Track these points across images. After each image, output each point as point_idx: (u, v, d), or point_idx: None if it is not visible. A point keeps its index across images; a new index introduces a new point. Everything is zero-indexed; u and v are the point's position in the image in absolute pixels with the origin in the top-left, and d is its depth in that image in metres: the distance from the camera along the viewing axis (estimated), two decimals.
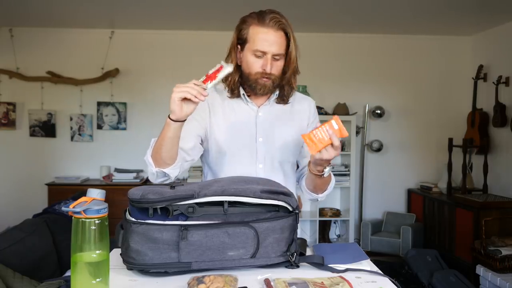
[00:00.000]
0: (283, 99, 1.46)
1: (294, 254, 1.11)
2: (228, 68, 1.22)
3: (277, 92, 1.45)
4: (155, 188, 1.07)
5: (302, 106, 1.52)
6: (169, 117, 1.24)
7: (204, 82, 1.21)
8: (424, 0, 3.46)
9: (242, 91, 1.44)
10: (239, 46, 1.39)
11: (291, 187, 1.50)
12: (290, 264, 1.12)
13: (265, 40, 1.33)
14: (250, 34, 1.35)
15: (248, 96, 1.45)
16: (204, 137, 1.46)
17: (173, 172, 1.34)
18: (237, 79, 1.41)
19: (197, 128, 1.43)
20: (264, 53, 1.34)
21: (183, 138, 1.32)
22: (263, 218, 1.09)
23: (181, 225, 1.04)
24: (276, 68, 1.37)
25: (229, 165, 1.45)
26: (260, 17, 1.34)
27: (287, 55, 1.38)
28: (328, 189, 1.45)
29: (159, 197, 1.03)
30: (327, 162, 1.26)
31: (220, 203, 1.08)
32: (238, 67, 1.41)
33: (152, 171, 1.34)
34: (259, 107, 1.46)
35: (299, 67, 1.44)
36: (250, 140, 1.44)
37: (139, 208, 1.05)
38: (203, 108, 1.43)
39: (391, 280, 1.06)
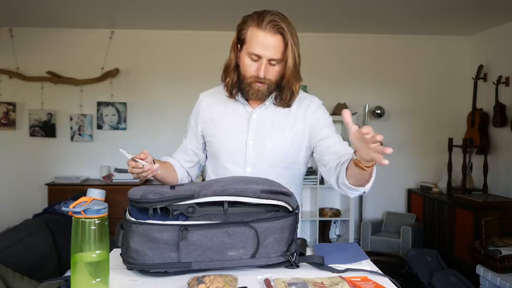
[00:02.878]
0: (281, 102, 1.41)
1: (294, 254, 1.11)
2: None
3: (273, 95, 1.41)
4: (155, 188, 1.07)
5: (300, 108, 1.45)
6: None
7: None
8: (424, 0, 3.46)
9: (238, 93, 1.42)
10: (239, 46, 1.37)
11: None
12: (290, 264, 1.11)
13: (261, 43, 1.29)
14: (248, 35, 1.32)
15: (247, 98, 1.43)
16: (203, 139, 1.54)
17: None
18: (235, 79, 1.39)
19: (192, 139, 1.55)
20: (259, 57, 1.31)
21: (183, 152, 1.56)
22: (263, 218, 1.09)
23: (181, 225, 1.04)
24: (272, 73, 1.33)
25: (221, 166, 1.46)
26: (259, 18, 1.30)
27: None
28: (373, 177, 1.22)
29: (159, 197, 1.04)
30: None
31: (220, 203, 1.08)
32: (237, 67, 1.39)
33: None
34: (254, 109, 1.44)
35: (300, 67, 1.40)
36: (241, 143, 1.42)
37: (139, 208, 1.05)
38: (194, 117, 1.54)
39: (391, 280, 1.06)
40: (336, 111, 4.40)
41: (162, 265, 1.03)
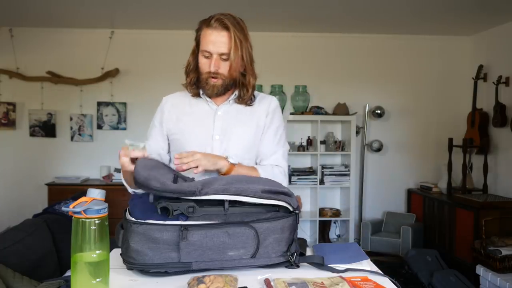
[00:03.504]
0: (241, 99, 1.49)
1: (294, 254, 1.11)
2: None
3: (236, 92, 1.49)
4: (159, 177, 1.07)
5: (260, 106, 1.54)
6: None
7: None
8: (424, 0, 3.46)
9: (201, 91, 1.49)
10: (197, 49, 1.46)
11: None
12: (290, 264, 1.12)
13: (210, 40, 1.38)
14: (201, 36, 1.42)
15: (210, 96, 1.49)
16: (166, 140, 1.56)
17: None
18: (194, 79, 1.48)
19: (156, 140, 1.56)
20: (210, 53, 1.39)
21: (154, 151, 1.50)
22: (263, 218, 1.09)
23: (181, 225, 1.04)
24: (224, 67, 1.41)
25: None
26: (209, 20, 1.41)
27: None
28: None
29: (160, 186, 1.04)
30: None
31: (221, 203, 1.08)
32: (197, 68, 1.47)
33: (129, 190, 1.44)
34: (218, 106, 1.50)
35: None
36: (207, 138, 1.48)
37: (140, 204, 1.07)
38: (158, 118, 1.55)
39: (391, 280, 1.06)
40: (336, 111, 4.39)
41: (162, 265, 1.03)
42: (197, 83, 1.48)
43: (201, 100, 1.51)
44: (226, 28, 1.38)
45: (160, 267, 1.03)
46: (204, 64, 1.41)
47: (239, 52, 1.39)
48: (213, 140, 1.47)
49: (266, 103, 1.55)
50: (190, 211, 1.05)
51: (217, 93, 1.45)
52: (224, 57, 1.39)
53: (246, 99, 1.49)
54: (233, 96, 1.49)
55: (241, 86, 1.47)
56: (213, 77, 1.41)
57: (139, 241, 1.03)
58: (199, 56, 1.43)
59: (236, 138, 1.47)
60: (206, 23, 1.41)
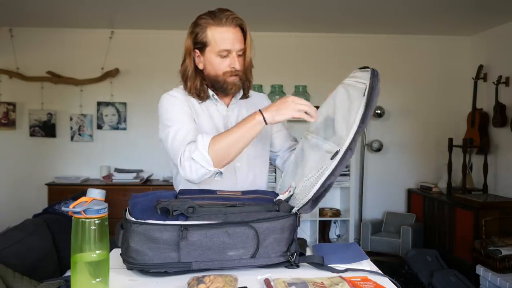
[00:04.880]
0: (244, 93, 1.47)
1: (294, 254, 1.11)
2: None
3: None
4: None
5: (260, 100, 1.54)
6: (264, 118, 1.24)
7: None
8: (424, 0, 3.46)
9: (211, 93, 1.43)
10: (197, 51, 1.39)
11: (264, 181, 1.53)
12: (290, 264, 1.12)
13: (227, 38, 1.34)
14: (210, 36, 1.36)
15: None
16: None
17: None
18: (199, 83, 1.41)
19: (192, 121, 1.40)
20: (229, 51, 1.35)
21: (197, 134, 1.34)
22: (263, 218, 1.09)
23: (181, 225, 1.04)
24: (241, 63, 1.39)
25: None
26: (214, 17, 1.35)
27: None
28: None
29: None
30: None
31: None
32: (198, 71, 1.41)
33: (203, 171, 1.26)
34: (228, 105, 1.47)
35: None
36: None
37: (140, 204, 1.07)
38: (179, 103, 1.40)
39: (391, 280, 1.06)
40: None
41: (162, 265, 1.03)
42: (201, 87, 1.41)
43: (207, 103, 1.45)
44: (239, 24, 1.36)
45: (160, 267, 1.03)
46: (221, 64, 1.37)
47: (250, 47, 1.40)
48: None
49: (264, 98, 1.59)
50: (190, 211, 1.05)
51: (238, 90, 1.42)
52: (240, 53, 1.38)
53: (247, 92, 1.48)
54: (240, 94, 1.46)
55: (244, 79, 1.44)
56: (234, 75, 1.38)
57: (139, 241, 1.03)
58: (211, 57, 1.37)
59: None
60: (213, 21, 1.35)
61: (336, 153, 1.09)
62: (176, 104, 1.39)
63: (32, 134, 4.41)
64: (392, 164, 4.66)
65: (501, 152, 4.07)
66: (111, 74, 4.37)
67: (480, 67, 4.21)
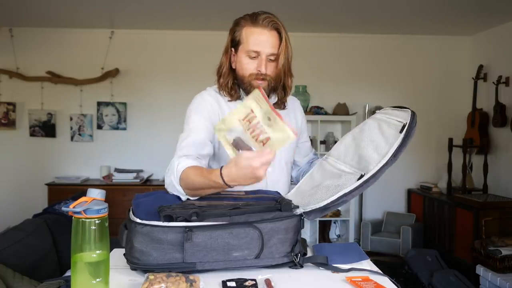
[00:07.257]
0: (278, 103, 1.41)
1: (298, 255, 1.11)
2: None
3: (273, 96, 1.40)
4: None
5: (293, 105, 1.54)
6: (225, 181, 1.05)
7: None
8: (424, 0, 3.46)
9: (242, 93, 1.40)
10: (232, 49, 1.37)
11: (288, 186, 1.52)
12: (294, 264, 1.12)
13: (259, 40, 1.31)
14: (244, 35, 1.33)
15: None
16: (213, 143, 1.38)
17: None
18: (230, 82, 1.38)
19: (206, 130, 1.33)
20: (258, 53, 1.31)
21: (199, 146, 1.29)
22: (267, 218, 1.09)
23: (185, 227, 1.04)
24: (270, 69, 1.34)
25: None
26: (253, 18, 1.32)
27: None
28: None
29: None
30: None
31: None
32: (232, 70, 1.39)
33: (179, 195, 1.19)
34: None
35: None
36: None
37: (144, 205, 1.07)
38: (202, 112, 1.35)
39: (391, 280, 1.06)
40: (336, 111, 4.39)
41: (167, 265, 1.03)
42: (233, 86, 1.38)
43: (238, 103, 1.37)
44: (276, 28, 1.32)
45: (164, 268, 1.03)
46: (249, 65, 1.33)
47: (286, 54, 1.34)
48: None
49: (296, 104, 1.57)
50: (193, 219, 1.04)
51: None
52: (272, 57, 1.32)
53: (282, 102, 1.41)
54: (273, 100, 1.40)
55: (281, 87, 1.39)
56: (261, 79, 1.32)
57: (143, 242, 1.03)
58: (241, 56, 1.34)
59: None
60: (250, 21, 1.32)
61: (361, 176, 1.09)
62: (202, 109, 1.35)
63: (32, 134, 4.41)
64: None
65: (501, 152, 4.07)
66: (111, 74, 4.37)
67: (480, 67, 4.21)
